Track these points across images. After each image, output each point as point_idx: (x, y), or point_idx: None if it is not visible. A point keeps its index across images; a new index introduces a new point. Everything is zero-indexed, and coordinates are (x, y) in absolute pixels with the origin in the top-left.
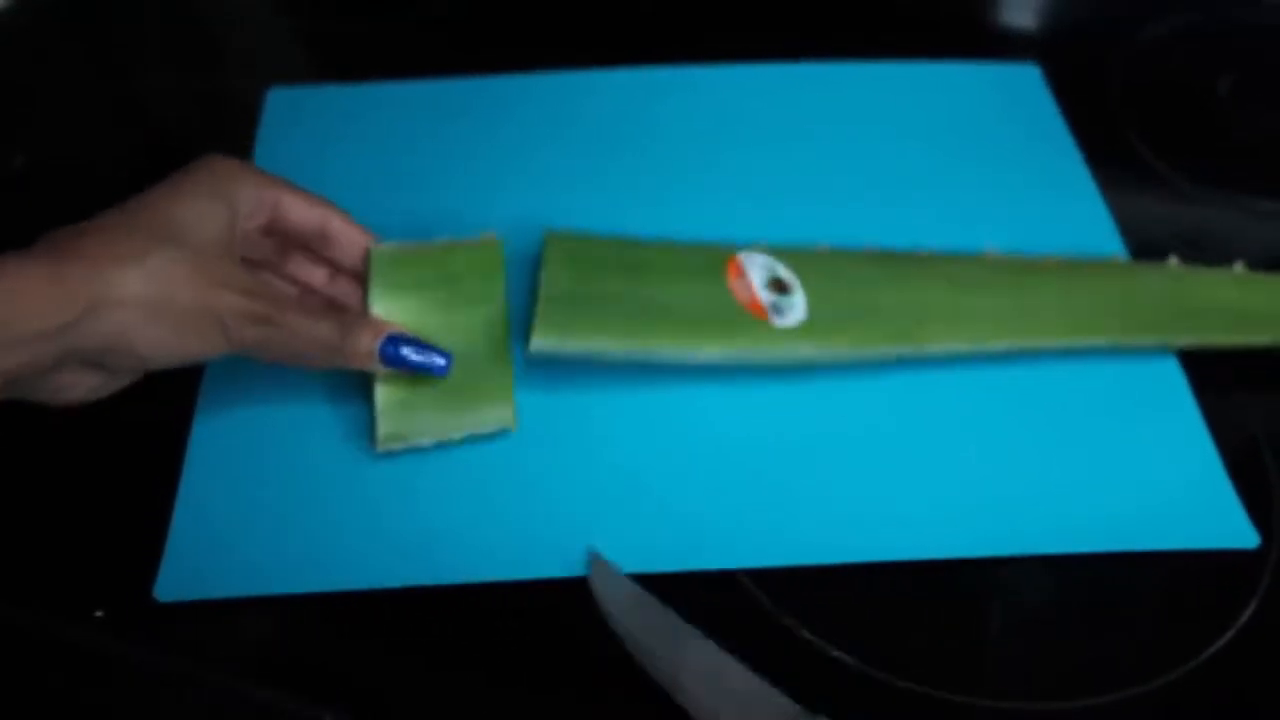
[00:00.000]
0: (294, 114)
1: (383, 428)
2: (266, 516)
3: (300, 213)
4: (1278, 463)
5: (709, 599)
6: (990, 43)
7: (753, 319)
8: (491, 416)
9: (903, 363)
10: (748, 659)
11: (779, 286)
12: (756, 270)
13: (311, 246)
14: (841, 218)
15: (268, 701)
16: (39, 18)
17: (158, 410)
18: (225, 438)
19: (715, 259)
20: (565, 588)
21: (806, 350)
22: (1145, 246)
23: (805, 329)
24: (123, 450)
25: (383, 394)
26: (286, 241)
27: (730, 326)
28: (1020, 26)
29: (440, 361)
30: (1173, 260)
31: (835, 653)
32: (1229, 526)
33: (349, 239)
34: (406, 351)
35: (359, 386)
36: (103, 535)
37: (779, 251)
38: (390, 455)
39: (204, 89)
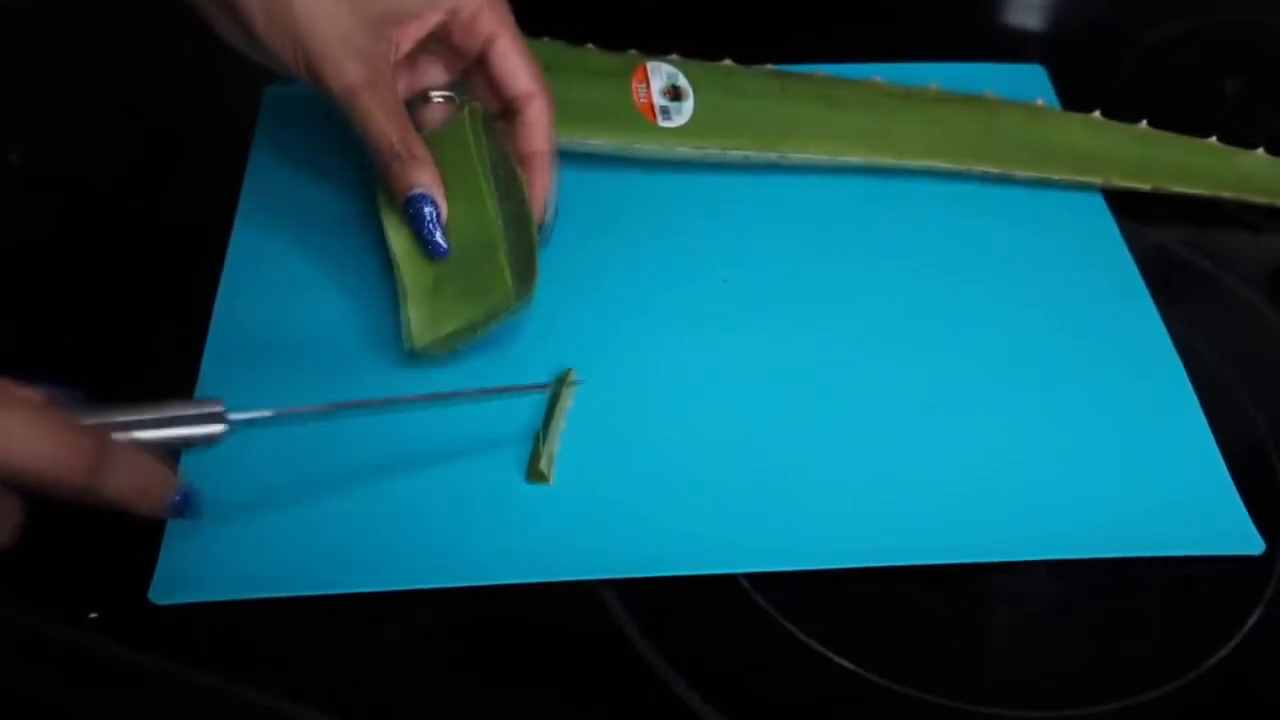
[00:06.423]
0: (291, 112)
1: (415, 332)
2: (261, 520)
3: (510, 63)
4: None
5: (709, 603)
6: (996, 44)
7: (642, 119)
8: (494, 295)
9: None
10: (749, 664)
11: (674, 93)
12: (659, 77)
13: (465, 66)
14: (846, 228)
15: (264, 705)
16: (38, 15)
17: None
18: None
19: (626, 65)
20: (565, 590)
21: (683, 150)
22: (1151, 248)
23: (683, 131)
24: None
25: (412, 299)
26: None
27: (618, 123)
28: (1026, 27)
29: (441, 247)
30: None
31: (837, 659)
32: (1234, 532)
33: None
34: (429, 210)
35: (355, 393)
36: (97, 538)
37: (685, 63)
38: (386, 456)
39: (201, 86)
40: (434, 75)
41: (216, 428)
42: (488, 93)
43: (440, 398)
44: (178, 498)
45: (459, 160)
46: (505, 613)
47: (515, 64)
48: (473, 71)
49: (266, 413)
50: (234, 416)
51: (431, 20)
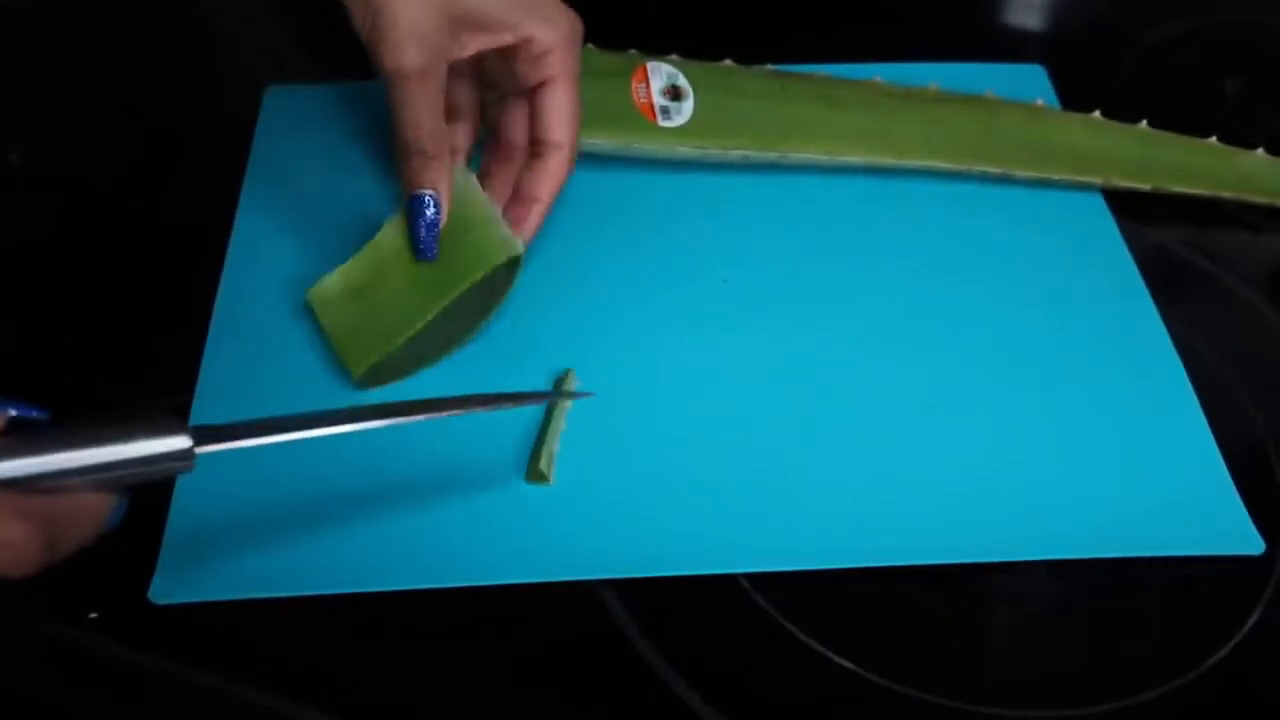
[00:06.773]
0: (292, 113)
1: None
2: (262, 519)
3: (557, 109)
4: None
5: (709, 603)
6: (996, 44)
7: (642, 118)
8: (357, 352)
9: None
10: (749, 664)
11: (674, 93)
12: (659, 77)
13: (502, 92)
14: (847, 228)
15: (264, 705)
16: (38, 15)
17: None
18: None
19: (626, 65)
20: (565, 590)
21: (683, 150)
22: (1151, 248)
23: (683, 131)
24: None
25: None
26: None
27: (618, 123)
28: (1026, 27)
29: (430, 252)
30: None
31: (837, 659)
32: (1234, 532)
33: (547, 159)
34: (430, 213)
35: (356, 396)
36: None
37: (685, 63)
38: (386, 457)
39: (203, 87)
40: (464, 90)
41: (182, 464)
42: (517, 125)
43: (432, 408)
44: (116, 515)
45: (466, 263)
46: (505, 613)
47: (562, 113)
48: (506, 99)
49: (237, 443)
50: (201, 450)
51: (503, 38)
